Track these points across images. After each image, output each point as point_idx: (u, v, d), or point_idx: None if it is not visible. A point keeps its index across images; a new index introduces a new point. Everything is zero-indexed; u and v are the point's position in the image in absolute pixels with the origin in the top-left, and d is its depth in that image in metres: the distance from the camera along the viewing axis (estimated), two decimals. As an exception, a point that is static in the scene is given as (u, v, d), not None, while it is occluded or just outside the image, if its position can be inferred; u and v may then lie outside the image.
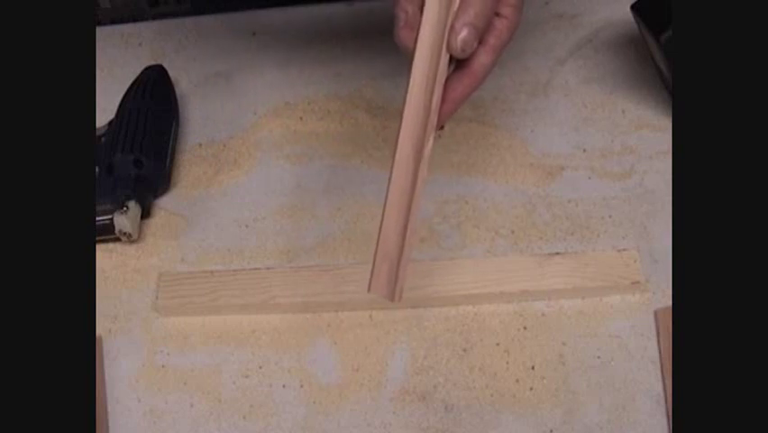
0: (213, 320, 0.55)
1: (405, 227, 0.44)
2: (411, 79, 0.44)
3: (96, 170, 0.59)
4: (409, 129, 0.44)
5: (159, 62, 0.66)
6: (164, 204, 0.61)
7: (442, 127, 0.61)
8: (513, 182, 0.60)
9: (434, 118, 0.44)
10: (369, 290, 0.45)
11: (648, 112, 0.63)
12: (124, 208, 0.57)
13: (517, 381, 0.51)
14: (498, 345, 0.53)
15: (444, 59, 0.44)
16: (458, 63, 0.45)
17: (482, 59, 0.45)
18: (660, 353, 0.51)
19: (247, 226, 0.60)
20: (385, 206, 0.44)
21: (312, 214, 0.60)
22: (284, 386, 0.52)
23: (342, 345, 0.54)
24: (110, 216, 0.57)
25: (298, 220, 0.59)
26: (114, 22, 0.75)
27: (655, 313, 0.53)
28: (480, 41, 0.44)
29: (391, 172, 0.44)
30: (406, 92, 0.44)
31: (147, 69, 0.65)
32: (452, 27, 0.43)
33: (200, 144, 0.65)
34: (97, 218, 0.57)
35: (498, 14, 0.45)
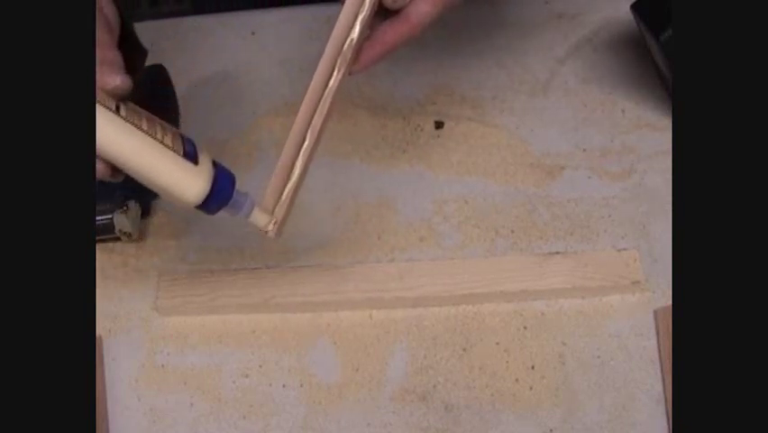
0: (213, 320, 0.55)
1: (293, 162, 0.48)
2: (337, 23, 0.45)
3: (96, 169, 0.59)
4: (324, 69, 0.46)
5: (159, 62, 0.66)
6: (164, 204, 0.61)
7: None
8: (513, 182, 0.60)
9: (347, 52, 0.45)
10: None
11: (648, 112, 0.63)
12: (124, 208, 0.57)
13: (517, 380, 0.51)
14: (497, 344, 0.53)
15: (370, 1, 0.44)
16: (397, 10, 0.46)
17: (420, 7, 0.45)
18: (659, 352, 0.51)
19: (247, 226, 0.60)
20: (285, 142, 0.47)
21: (312, 214, 0.60)
22: (284, 386, 0.52)
23: (342, 345, 0.54)
24: (110, 216, 0.57)
25: (298, 220, 0.59)
26: (113, 22, 0.74)
27: (655, 313, 0.53)
28: None
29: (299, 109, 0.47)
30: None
31: (147, 68, 0.65)
32: None
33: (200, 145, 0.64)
34: (97, 218, 0.57)
35: None
